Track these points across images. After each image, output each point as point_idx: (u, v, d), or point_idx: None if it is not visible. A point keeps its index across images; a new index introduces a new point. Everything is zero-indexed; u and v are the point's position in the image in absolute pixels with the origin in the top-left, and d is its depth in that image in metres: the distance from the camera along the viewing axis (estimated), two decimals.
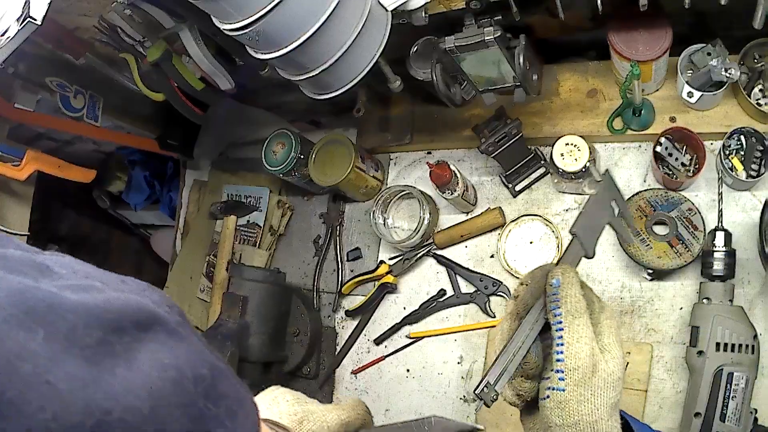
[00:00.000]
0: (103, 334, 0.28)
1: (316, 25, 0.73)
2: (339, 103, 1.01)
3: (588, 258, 0.67)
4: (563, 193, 1.15)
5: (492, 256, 1.19)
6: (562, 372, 0.57)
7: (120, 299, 0.31)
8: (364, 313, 1.27)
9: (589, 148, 1.02)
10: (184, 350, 0.32)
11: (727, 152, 0.99)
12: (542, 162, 1.16)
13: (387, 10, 0.83)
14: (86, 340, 0.27)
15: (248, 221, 1.47)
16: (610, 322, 0.62)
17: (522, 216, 1.17)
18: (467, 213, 1.23)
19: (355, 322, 1.30)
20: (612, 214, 0.71)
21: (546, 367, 0.61)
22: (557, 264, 0.63)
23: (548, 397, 0.58)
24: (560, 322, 0.58)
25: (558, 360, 0.58)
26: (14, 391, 0.24)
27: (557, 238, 1.13)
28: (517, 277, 1.15)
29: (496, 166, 1.18)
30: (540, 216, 1.16)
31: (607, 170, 0.74)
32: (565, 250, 0.66)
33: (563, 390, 0.57)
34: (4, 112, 1.20)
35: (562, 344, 0.58)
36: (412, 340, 1.23)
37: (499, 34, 0.87)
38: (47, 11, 0.82)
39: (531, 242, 1.16)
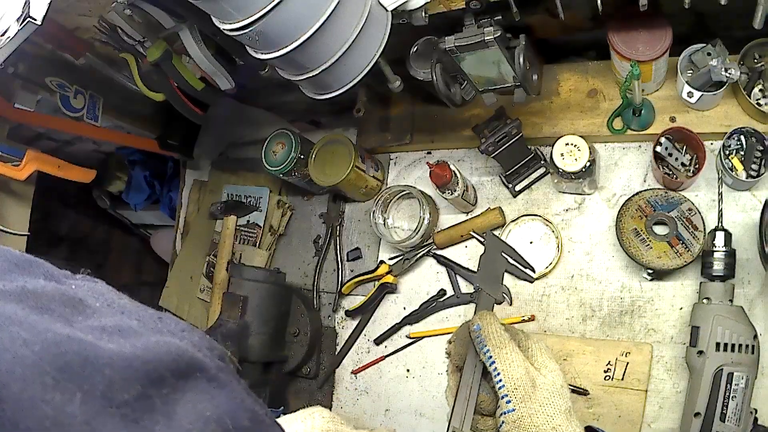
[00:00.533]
0: (141, 387, 0.27)
1: (316, 25, 0.73)
2: (339, 103, 1.01)
3: (498, 303, 0.77)
4: (563, 193, 1.15)
5: None
6: (507, 395, 0.63)
7: (158, 345, 0.29)
8: (364, 313, 1.27)
9: (589, 148, 1.02)
10: (225, 398, 0.31)
11: (727, 152, 0.99)
12: (542, 162, 1.16)
13: (387, 10, 0.83)
14: (124, 396, 0.26)
15: (248, 221, 1.47)
16: (538, 344, 0.69)
17: (522, 216, 1.17)
18: (467, 213, 1.23)
19: (355, 322, 1.30)
20: (506, 263, 0.83)
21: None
22: (474, 314, 0.71)
23: (504, 422, 0.63)
24: (490, 357, 0.65)
25: (500, 387, 0.63)
26: None
27: (557, 238, 1.13)
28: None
29: (496, 166, 1.18)
30: (540, 216, 1.16)
31: (487, 230, 0.87)
32: (477, 303, 0.75)
33: (513, 410, 0.62)
34: (4, 112, 1.20)
35: (498, 373, 0.64)
36: (412, 340, 1.23)
37: (499, 34, 0.87)
38: (47, 11, 0.82)
39: (531, 242, 1.16)
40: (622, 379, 1.01)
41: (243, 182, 1.52)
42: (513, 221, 1.18)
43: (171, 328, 0.33)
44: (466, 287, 1.20)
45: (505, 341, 0.65)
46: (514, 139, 1.09)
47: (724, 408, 0.86)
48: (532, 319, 1.12)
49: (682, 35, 0.97)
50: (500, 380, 0.63)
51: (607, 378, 1.02)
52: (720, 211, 0.95)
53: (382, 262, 1.27)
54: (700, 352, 0.89)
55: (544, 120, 1.15)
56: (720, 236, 0.93)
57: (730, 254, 0.93)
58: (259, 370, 1.19)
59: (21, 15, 0.83)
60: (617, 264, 1.08)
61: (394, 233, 1.28)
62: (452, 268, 1.21)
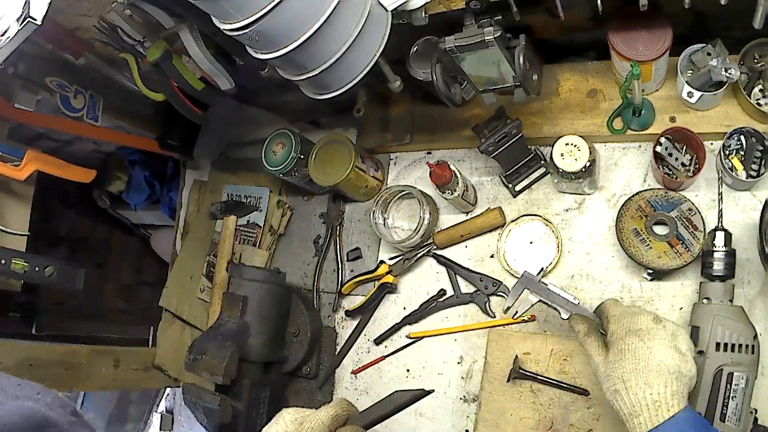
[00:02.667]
0: None
1: (316, 25, 0.73)
2: (339, 103, 1.01)
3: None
4: (563, 193, 1.15)
5: (492, 256, 1.19)
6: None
7: (14, 409, 0.34)
8: (364, 313, 1.27)
9: (589, 148, 1.02)
10: None
11: (727, 152, 0.99)
12: (542, 162, 1.16)
13: (387, 10, 0.83)
14: None
15: (248, 221, 1.47)
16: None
17: (522, 216, 1.17)
18: (467, 213, 1.23)
19: (355, 322, 1.30)
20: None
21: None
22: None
23: None
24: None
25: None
26: None
27: (557, 238, 1.13)
28: (517, 277, 1.15)
29: (496, 166, 1.18)
30: (540, 216, 1.16)
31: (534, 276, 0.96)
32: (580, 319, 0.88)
33: None
34: (4, 112, 1.20)
35: None
36: (412, 340, 1.23)
37: (499, 34, 0.87)
38: (47, 11, 0.82)
39: (531, 242, 1.16)
40: None
41: (243, 182, 1.52)
42: (513, 221, 1.18)
43: (28, 392, 0.38)
44: (466, 287, 1.20)
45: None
46: (514, 139, 1.09)
47: (724, 408, 0.86)
48: (532, 319, 1.12)
49: (682, 35, 0.97)
50: None
51: None
52: (720, 211, 0.95)
53: (382, 262, 1.27)
54: (700, 352, 0.89)
55: (544, 120, 1.15)
56: (720, 236, 0.93)
57: (730, 254, 0.92)
58: (259, 370, 1.19)
59: (21, 15, 0.83)
60: (617, 264, 1.08)
61: (394, 233, 1.28)
62: (452, 268, 1.21)
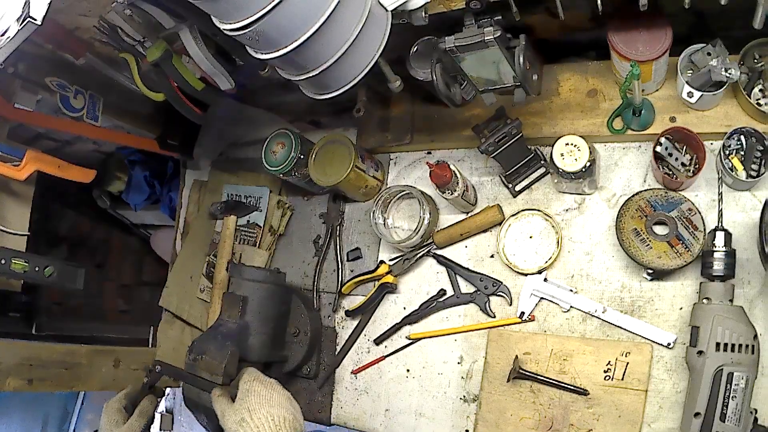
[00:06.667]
0: None
1: (316, 25, 0.73)
2: (339, 103, 1.01)
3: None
4: (563, 193, 1.15)
5: (492, 256, 1.19)
6: None
7: None
8: (364, 313, 1.28)
9: (589, 148, 1.02)
10: None
11: (727, 152, 0.99)
12: (542, 162, 1.16)
13: (387, 10, 0.83)
14: None
15: (248, 221, 1.47)
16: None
17: (522, 210, 1.17)
18: (467, 213, 1.23)
19: (355, 322, 1.30)
20: None
21: None
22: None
23: None
24: None
25: None
26: None
27: (557, 233, 1.13)
28: (518, 272, 1.15)
29: (496, 166, 1.18)
30: (540, 210, 1.16)
31: None
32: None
33: None
34: (4, 112, 1.20)
35: None
36: (412, 341, 1.23)
37: (499, 34, 0.87)
38: (47, 11, 0.82)
39: (531, 237, 1.16)
40: (622, 379, 1.01)
41: (243, 182, 1.52)
42: (513, 215, 1.18)
43: None
44: (466, 287, 1.20)
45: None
46: (514, 139, 1.09)
47: (724, 408, 0.86)
48: (532, 319, 1.12)
49: (682, 35, 0.97)
50: None
51: (607, 378, 1.02)
52: (720, 211, 0.95)
53: (382, 262, 1.27)
54: (700, 352, 0.89)
55: (544, 120, 1.15)
56: (720, 236, 0.93)
57: (730, 254, 0.93)
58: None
59: (21, 15, 0.83)
60: (617, 264, 1.08)
61: (394, 233, 1.28)
62: (452, 268, 1.21)
